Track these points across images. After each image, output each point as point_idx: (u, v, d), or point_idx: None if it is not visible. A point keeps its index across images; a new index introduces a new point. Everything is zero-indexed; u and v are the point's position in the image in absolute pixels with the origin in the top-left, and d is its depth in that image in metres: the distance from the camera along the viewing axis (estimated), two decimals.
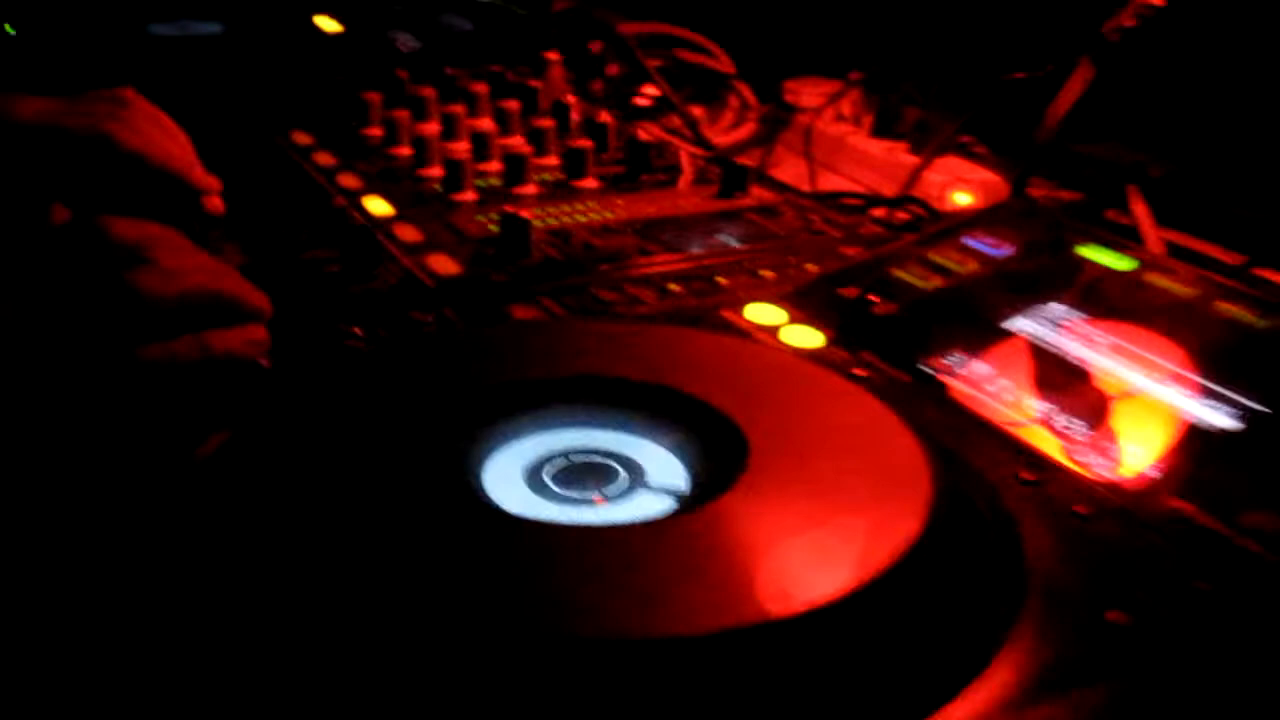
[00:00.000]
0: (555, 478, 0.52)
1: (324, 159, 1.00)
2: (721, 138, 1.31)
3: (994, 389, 0.65)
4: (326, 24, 1.50)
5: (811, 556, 0.44)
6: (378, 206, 0.89)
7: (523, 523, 0.47)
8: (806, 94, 1.37)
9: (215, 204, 0.82)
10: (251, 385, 0.60)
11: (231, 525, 0.46)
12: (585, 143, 0.98)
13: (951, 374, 0.66)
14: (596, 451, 0.54)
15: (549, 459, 0.53)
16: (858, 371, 0.67)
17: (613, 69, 1.32)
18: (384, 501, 0.47)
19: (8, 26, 1.39)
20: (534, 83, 1.14)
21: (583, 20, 1.31)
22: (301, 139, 1.04)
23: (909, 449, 0.52)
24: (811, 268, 0.82)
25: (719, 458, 0.52)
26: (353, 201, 0.90)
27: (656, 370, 0.57)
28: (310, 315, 0.71)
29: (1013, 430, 0.61)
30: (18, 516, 0.50)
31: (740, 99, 1.42)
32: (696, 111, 1.36)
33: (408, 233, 0.85)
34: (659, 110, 1.26)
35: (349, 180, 0.95)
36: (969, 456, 0.58)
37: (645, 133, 1.03)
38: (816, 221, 0.91)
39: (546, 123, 1.03)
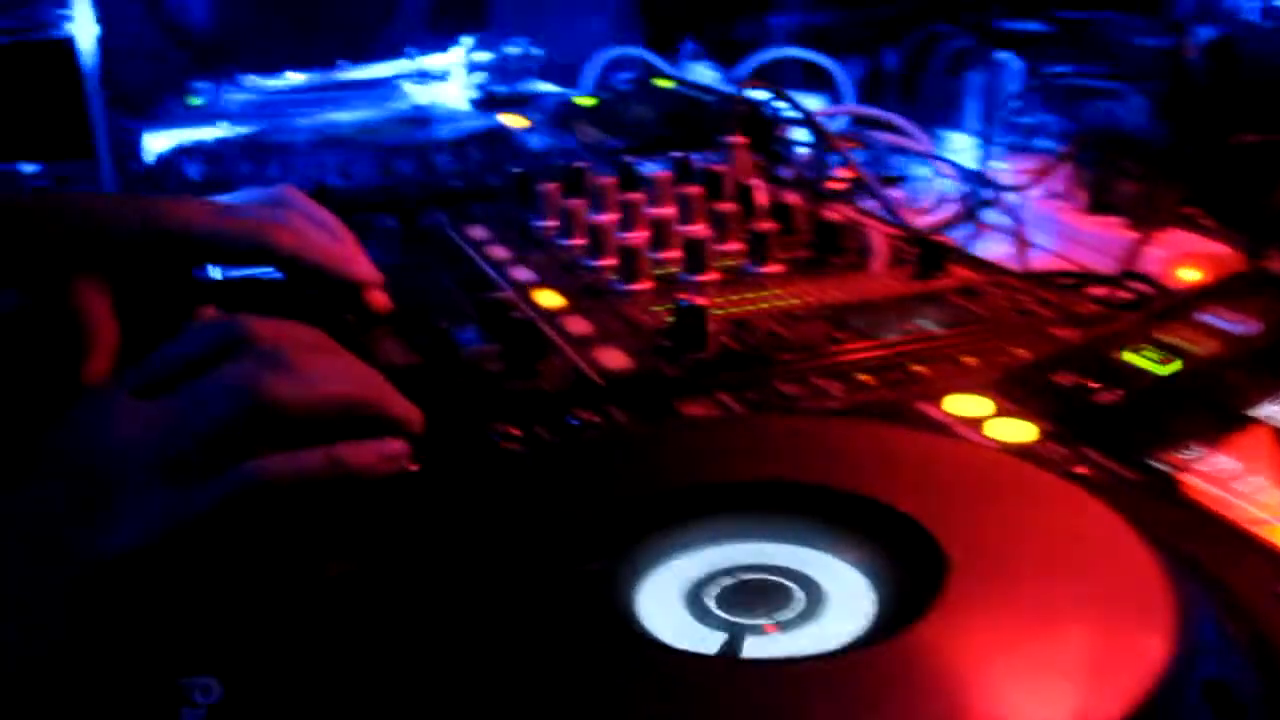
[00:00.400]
0: (720, 599, 0.45)
1: (497, 252, 0.96)
2: (922, 219, 1.23)
3: (1242, 487, 0.55)
4: (512, 120, 1.50)
5: (1031, 699, 0.36)
6: (548, 299, 0.85)
7: (684, 657, 0.40)
8: (1013, 170, 1.29)
9: (378, 298, 0.79)
10: (397, 491, 0.55)
11: (362, 659, 0.40)
12: (770, 225, 0.91)
13: (1189, 470, 0.57)
14: (767, 568, 0.46)
15: (713, 577, 0.46)
16: (1078, 469, 0.58)
17: (802, 151, 1.26)
18: (529, 634, 0.40)
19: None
20: (718, 168, 1.09)
21: (772, 103, 1.26)
22: (477, 233, 1.01)
23: (1143, 562, 0.43)
24: (1022, 353, 0.73)
25: (913, 575, 0.44)
26: (522, 295, 0.86)
27: (835, 473, 0.49)
28: (468, 415, 0.66)
29: (1267, 535, 0.51)
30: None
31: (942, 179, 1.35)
32: (895, 195, 1.29)
33: (577, 325, 0.80)
34: (853, 194, 1.20)
35: (521, 273, 0.91)
36: (1215, 568, 0.48)
37: (834, 213, 0.96)
38: (1026, 302, 0.82)
39: (729, 207, 0.97)
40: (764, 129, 1.26)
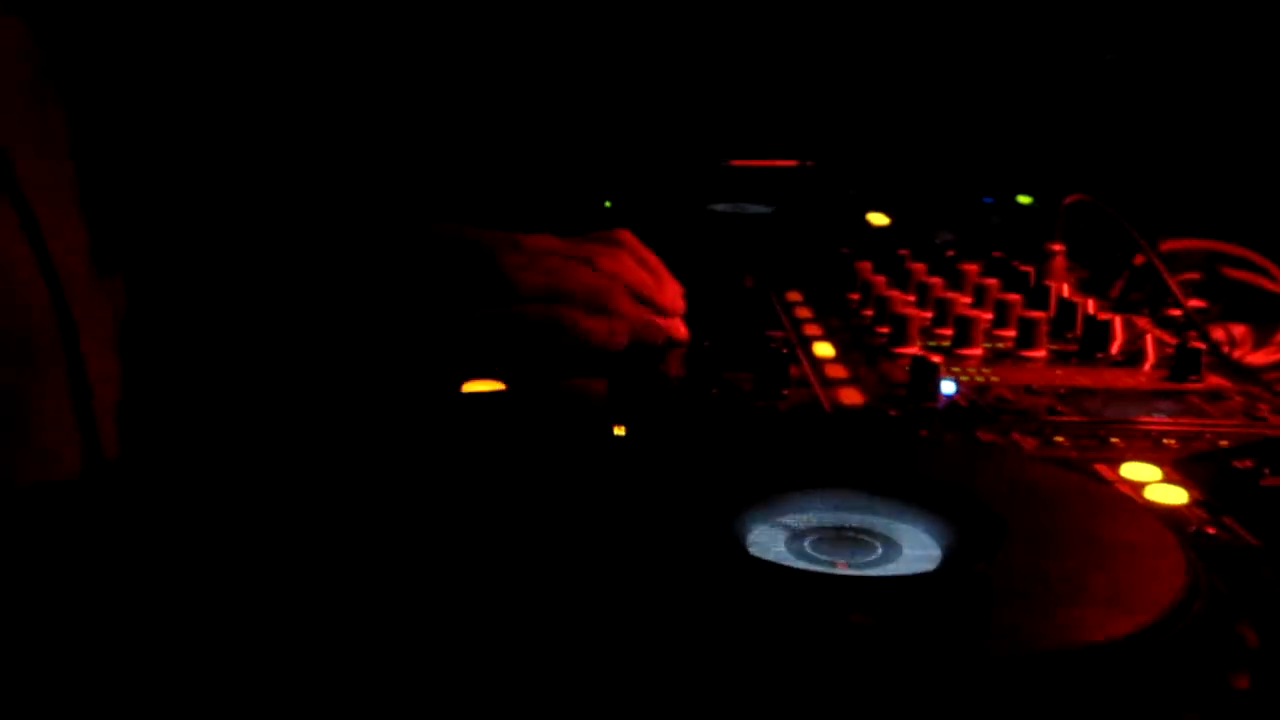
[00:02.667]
0: (813, 545, 0.57)
1: (803, 312, 1.10)
2: (1256, 356, 1.25)
3: None
4: (876, 219, 1.63)
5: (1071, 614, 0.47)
6: (822, 349, 0.98)
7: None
8: None
9: (677, 324, 0.95)
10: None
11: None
12: (1039, 314, 1.00)
13: None
14: (858, 529, 0.58)
15: (815, 529, 0.58)
16: (1207, 529, 0.64)
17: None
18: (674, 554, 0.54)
19: (607, 204, 1.66)
20: (1025, 267, 1.18)
21: (1096, 216, 1.32)
22: (793, 296, 1.16)
23: (1177, 564, 0.51)
24: (1224, 443, 0.78)
25: (975, 543, 0.53)
26: (803, 343, 0.99)
27: (940, 473, 0.60)
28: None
29: None
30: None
31: None
32: (1239, 329, 1.31)
33: (835, 370, 0.92)
34: (1191, 325, 1.23)
35: (812, 328, 1.04)
36: None
37: (1111, 315, 1.03)
38: (1263, 409, 0.86)
39: (1014, 296, 1.06)
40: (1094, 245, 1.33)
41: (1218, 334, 1.24)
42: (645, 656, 0.45)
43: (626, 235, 0.99)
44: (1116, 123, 1.79)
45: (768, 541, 0.56)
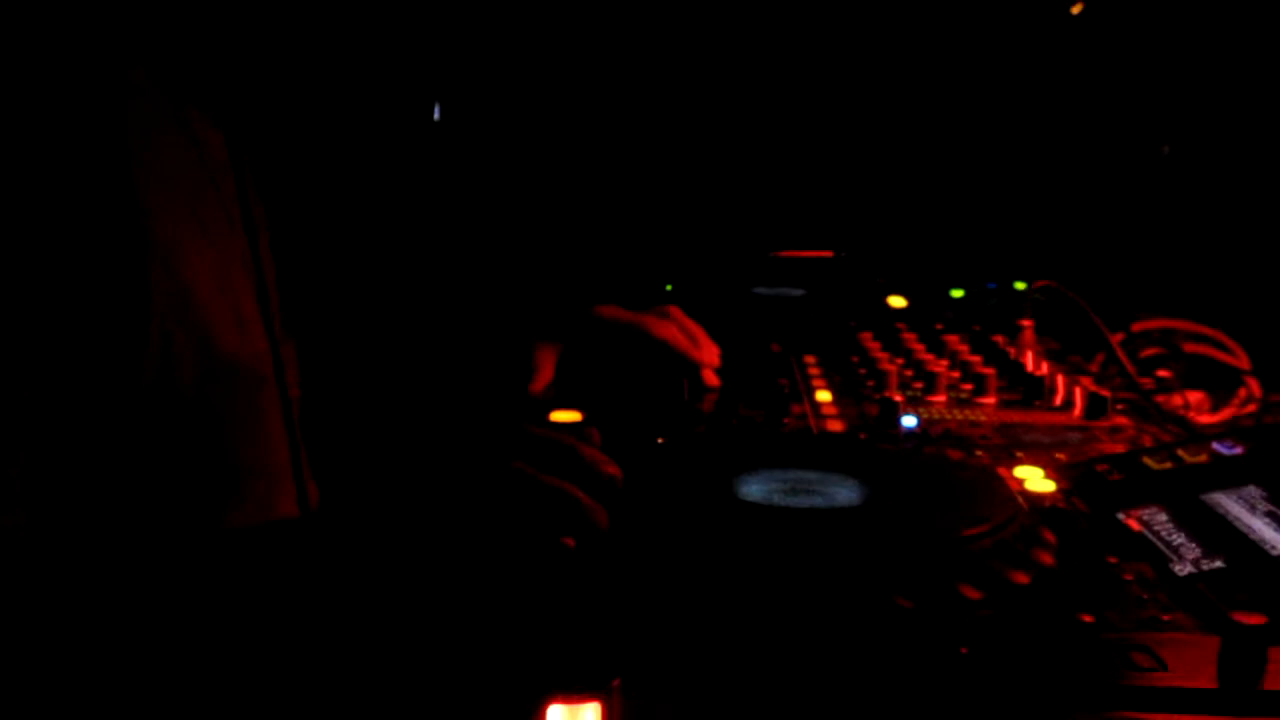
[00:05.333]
0: (778, 493, 0.88)
1: (813, 370, 1.41)
2: (1206, 417, 1.52)
3: (1154, 534, 0.89)
4: (896, 301, 1.94)
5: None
6: (822, 395, 1.29)
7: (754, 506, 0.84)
8: None
9: (709, 375, 1.28)
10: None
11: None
12: (989, 370, 1.31)
13: (1130, 517, 0.91)
14: (812, 481, 0.89)
15: (783, 484, 0.89)
16: (1059, 504, 0.94)
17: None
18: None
19: (669, 286, 2.00)
20: (997, 337, 1.49)
21: (1058, 299, 1.62)
22: (808, 358, 1.47)
23: (1007, 501, 0.82)
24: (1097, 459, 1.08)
25: (886, 489, 0.85)
26: (808, 389, 1.31)
27: (866, 461, 0.91)
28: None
29: None
30: None
31: (1248, 391, 1.61)
32: (1194, 396, 1.59)
33: (828, 409, 1.24)
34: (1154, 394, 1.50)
35: (818, 382, 1.36)
36: None
37: (1048, 371, 1.33)
38: (1147, 440, 1.16)
39: (975, 358, 1.37)
40: (1064, 320, 1.63)
41: (1176, 400, 1.53)
42: (675, 546, 0.77)
43: (674, 309, 1.32)
44: (1103, 225, 2.10)
45: (754, 491, 0.88)
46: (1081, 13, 2.21)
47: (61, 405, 0.81)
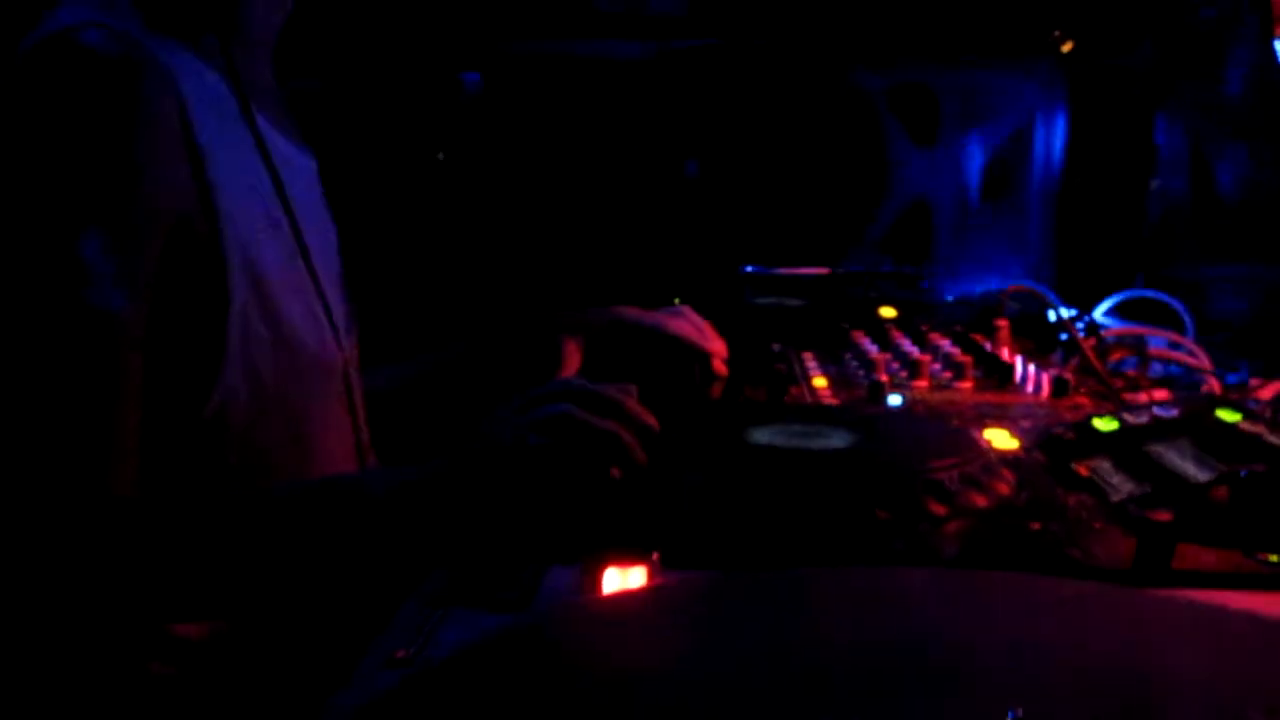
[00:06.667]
0: (779, 438, 1.05)
1: (810, 363, 1.58)
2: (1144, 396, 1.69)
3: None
4: (886, 311, 2.11)
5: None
6: (818, 381, 1.46)
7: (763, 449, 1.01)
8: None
9: (718, 365, 1.45)
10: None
11: None
12: (967, 358, 1.48)
13: (1082, 465, 1.08)
14: (805, 434, 1.06)
15: (785, 431, 1.06)
16: (1020, 454, 1.11)
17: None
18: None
19: (676, 300, 2.16)
20: (976, 335, 1.66)
21: (1030, 302, 1.80)
22: (806, 355, 1.64)
23: (973, 447, 0.99)
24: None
25: (866, 438, 1.01)
26: (806, 380, 1.48)
27: (855, 420, 1.08)
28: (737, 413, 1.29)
29: None
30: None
31: (1209, 390, 1.78)
32: (1160, 394, 1.76)
33: (823, 392, 1.41)
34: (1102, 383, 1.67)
35: (814, 372, 1.53)
36: None
37: (1015, 359, 1.50)
38: (1108, 409, 1.33)
39: (955, 350, 1.54)
40: (1039, 324, 1.80)
41: (1142, 397, 1.69)
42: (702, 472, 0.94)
43: (686, 308, 1.49)
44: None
45: (761, 437, 1.05)
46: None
47: (161, 387, 0.92)
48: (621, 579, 0.72)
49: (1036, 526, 0.89)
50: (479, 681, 0.61)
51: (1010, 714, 0.52)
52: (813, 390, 1.42)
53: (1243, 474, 0.92)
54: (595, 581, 0.72)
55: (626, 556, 0.73)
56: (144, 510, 0.85)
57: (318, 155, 1.18)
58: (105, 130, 0.87)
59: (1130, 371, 1.76)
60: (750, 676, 0.60)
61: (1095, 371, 1.62)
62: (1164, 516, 0.83)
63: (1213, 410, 1.15)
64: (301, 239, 1.04)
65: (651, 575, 0.74)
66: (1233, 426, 1.10)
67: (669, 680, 0.60)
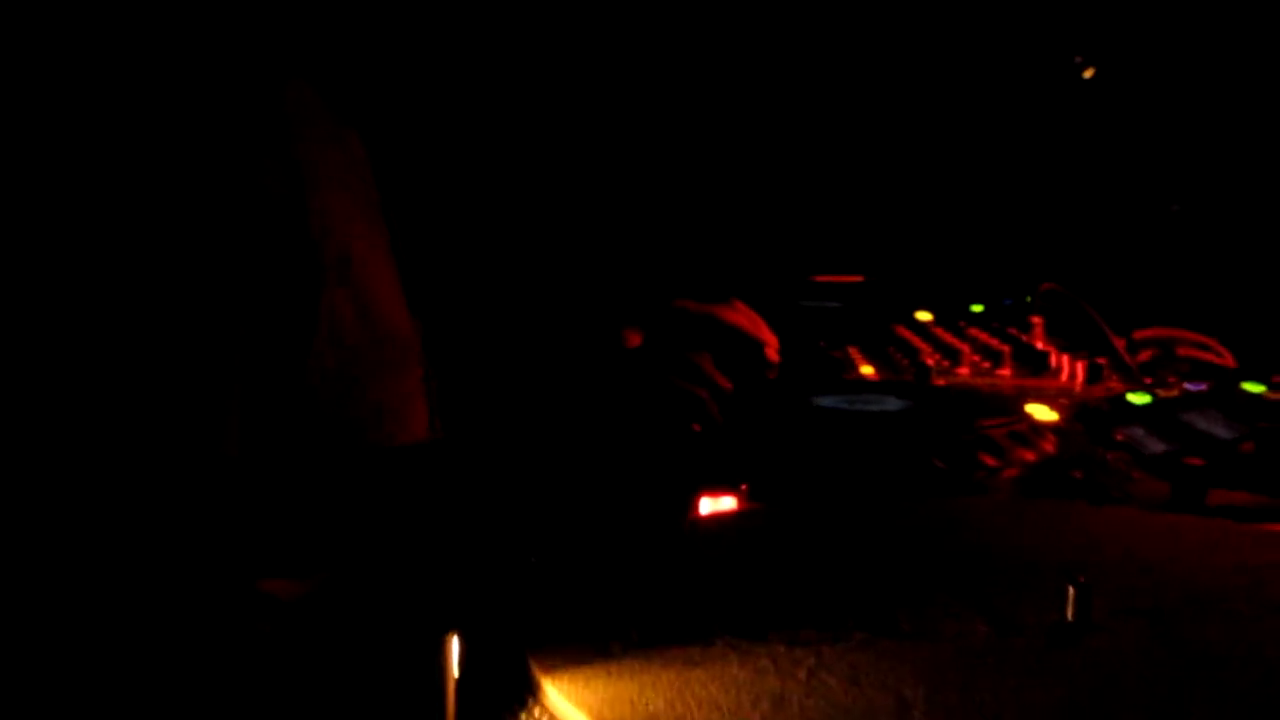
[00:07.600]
0: (843, 404, 1.14)
1: (856, 357, 1.68)
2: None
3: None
4: (922, 315, 2.20)
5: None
6: (865, 369, 1.56)
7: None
8: None
9: (770, 354, 1.54)
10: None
11: None
12: (1005, 347, 1.57)
13: (1119, 432, 1.17)
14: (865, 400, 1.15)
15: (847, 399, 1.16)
16: (1061, 426, 1.20)
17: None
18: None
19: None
20: (1012, 329, 1.75)
21: (1062, 300, 1.89)
22: (852, 349, 1.74)
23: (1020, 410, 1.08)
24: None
25: (919, 408, 1.11)
26: (853, 367, 1.57)
27: (909, 389, 1.17)
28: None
29: None
30: None
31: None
32: (1197, 387, 1.84)
33: (870, 376, 1.50)
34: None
35: (861, 362, 1.62)
36: None
37: (1050, 351, 1.60)
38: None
39: (993, 342, 1.63)
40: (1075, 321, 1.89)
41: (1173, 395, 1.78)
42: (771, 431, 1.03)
43: (738, 301, 1.59)
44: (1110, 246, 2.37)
45: (826, 403, 1.14)
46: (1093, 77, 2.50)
47: (258, 362, 0.98)
48: (713, 505, 0.82)
49: (1079, 475, 0.98)
50: None
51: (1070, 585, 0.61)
52: (860, 377, 1.51)
53: (1269, 429, 1.01)
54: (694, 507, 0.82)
55: (718, 490, 0.83)
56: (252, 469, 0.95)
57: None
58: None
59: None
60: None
61: (1126, 366, 1.71)
62: (1197, 461, 0.92)
63: (1238, 383, 1.24)
64: (379, 223, 1.12)
65: (740, 503, 0.83)
66: (1258, 396, 1.19)
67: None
